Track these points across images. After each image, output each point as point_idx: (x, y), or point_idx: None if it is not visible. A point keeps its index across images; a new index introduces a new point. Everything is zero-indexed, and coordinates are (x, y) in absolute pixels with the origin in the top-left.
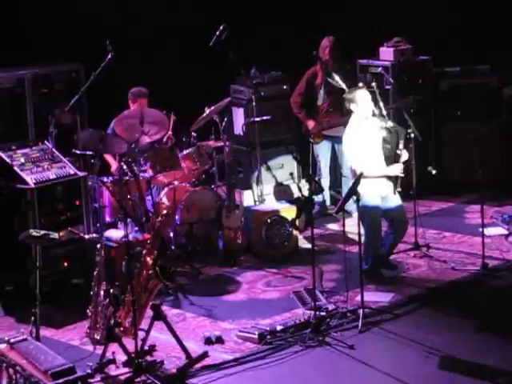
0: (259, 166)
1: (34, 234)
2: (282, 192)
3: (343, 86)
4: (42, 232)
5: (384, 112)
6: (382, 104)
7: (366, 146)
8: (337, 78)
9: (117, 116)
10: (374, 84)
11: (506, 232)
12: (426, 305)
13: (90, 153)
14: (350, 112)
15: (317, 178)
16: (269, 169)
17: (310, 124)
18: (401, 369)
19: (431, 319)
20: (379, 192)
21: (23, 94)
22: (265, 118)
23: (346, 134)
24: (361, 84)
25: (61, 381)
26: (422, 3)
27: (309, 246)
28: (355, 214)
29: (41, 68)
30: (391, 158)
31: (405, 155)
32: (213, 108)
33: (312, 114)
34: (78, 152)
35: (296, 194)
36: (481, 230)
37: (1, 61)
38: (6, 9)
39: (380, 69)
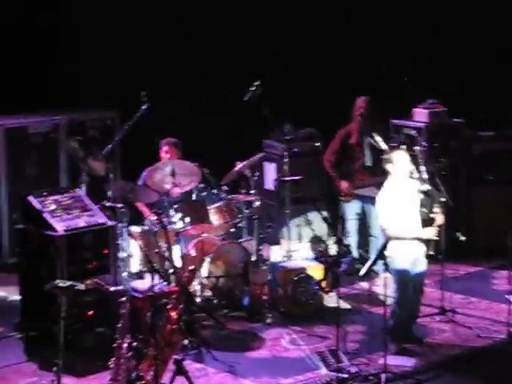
0: (288, 221)
1: (61, 284)
2: (318, 246)
3: (384, 146)
4: (68, 283)
5: (425, 175)
6: (423, 167)
7: (400, 208)
8: (377, 138)
9: (148, 167)
10: (418, 148)
11: None
12: (450, 371)
13: (120, 205)
14: (383, 173)
15: (344, 238)
16: (309, 223)
17: (343, 185)
18: None
19: None
20: (410, 255)
21: (57, 140)
22: (295, 177)
23: (381, 193)
24: (403, 146)
25: None
26: (456, 66)
27: (334, 305)
28: (382, 275)
29: (76, 114)
30: (426, 222)
31: (440, 219)
32: (245, 163)
33: (344, 173)
34: (108, 204)
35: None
36: (508, 296)
37: (38, 105)
38: (48, 54)
39: (413, 131)
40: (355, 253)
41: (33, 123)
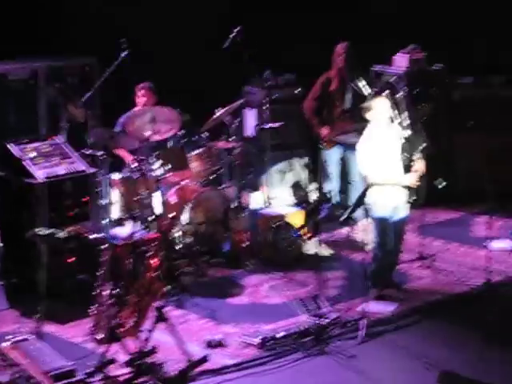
0: (268, 168)
1: (41, 232)
2: (298, 193)
3: (366, 92)
4: (49, 231)
5: (407, 121)
6: (406, 113)
7: (381, 154)
8: (361, 84)
9: (125, 113)
10: (400, 93)
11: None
12: (429, 317)
13: (100, 153)
14: (364, 119)
15: (324, 185)
16: (289, 169)
17: (323, 131)
18: (400, 381)
19: (433, 332)
20: (391, 201)
21: (36, 87)
22: (275, 125)
23: (362, 140)
24: (385, 92)
25: (61, 383)
26: (440, 12)
27: (314, 251)
28: (362, 221)
29: (55, 61)
30: (407, 168)
31: (421, 165)
32: (224, 109)
33: (325, 119)
34: (88, 152)
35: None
36: (487, 242)
37: (17, 52)
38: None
39: (393, 78)
40: (335, 199)
41: (11, 70)
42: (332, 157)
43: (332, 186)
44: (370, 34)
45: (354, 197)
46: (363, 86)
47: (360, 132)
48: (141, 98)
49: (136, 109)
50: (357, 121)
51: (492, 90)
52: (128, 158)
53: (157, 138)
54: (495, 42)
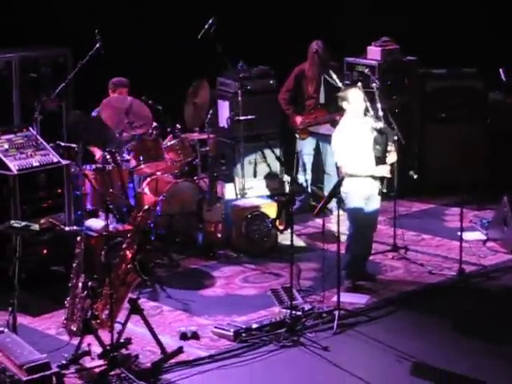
0: (242, 159)
1: (15, 224)
2: (272, 183)
3: (340, 84)
4: (23, 223)
5: (380, 113)
6: (379, 105)
7: (355, 145)
8: (334, 76)
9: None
10: (374, 85)
11: (485, 237)
12: (402, 308)
13: (75, 145)
14: (338, 110)
15: (299, 176)
16: (264, 158)
17: (298, 120)
18: (373, 372)
19: (406, 323)
20: (363, 192)
21: (10, 78)
22: (249, 117)
23: (336, 131)
24: (359, 84)
25: (35, 376)
26: (412, 3)
27: (288, 242)
28: (335, 212)
29: (29, 52)
30: (380, 159)
31: (393, 157)
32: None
33: (298, 111)
34: (63, 144)
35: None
36: (459, 233)
37: None
38: None
39: (366, 70)
40: (309, 189)
41: None
42: (306, 147)
43: (306, 176)
44: (343, 26)
45: (328, 187)
46: (335, 79)
47: (334, 123)
48: (113, 91)
49: (114, 97)
50: (331, 112)
51: (464, 82)
52: (98, 152)
53: (131, 132)
54: (468, 33)
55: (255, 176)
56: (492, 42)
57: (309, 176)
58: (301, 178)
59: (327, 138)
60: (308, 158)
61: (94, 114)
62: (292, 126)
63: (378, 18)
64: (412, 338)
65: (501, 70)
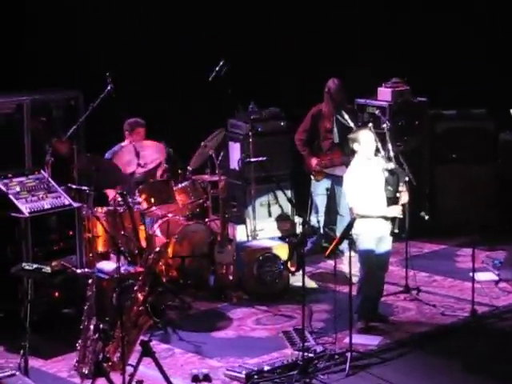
0: (253, 201)
1: (27, 267)
2: (284, 225)
3: (352, 124)
4: (35, 266)
5: (391, 154)
6: (390, 146)
7: (366, 186)
8: (346, 116)
9: (111, 148)
10: (385, 126)
11: (497, 278)
12: (415, 350)
13: (86, 188)
14: (352, 152)
15: (312, 217)
16: (276, 199)
17: (313, 162)
18: None
19: (418, 364)
20: (375, 233)
21: (21, 121)
22: (260, 159)
23: (348, 172)
24: (370, 125)
25: None
26: (422, 45)
27: (300, 284)
28: (347, 254)
29: (40, 95)
30: (392, 200)
31: (405, 197)
32: (209, 143)
33: (315, 151)
34: (74, 187)
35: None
36: (471, 274)
37: (1, 86)
38: (11, 35)
39: (377, 111)
40: (322, 231)
41: None
42: (320, 188)
43: (319, 217)
44: (354, 66)
45: (341, 229)
46: (348, 120)
47: (349, 164)
48: (130, 133)
49: (122, 144)
50: (346, 153)
51: (474, 123)
52: (111, 194)
53: (142, 170)
54: (478, 74)
55: (270, 216)
56: (502, 83)
57: (321, 217)
58: (313, 220)
59: (342, 180)
60: (321, 199)
61: (106, 155)
62: (307, 167)
63: (388, 58)
64: (424, 379)
65: (511, 111)
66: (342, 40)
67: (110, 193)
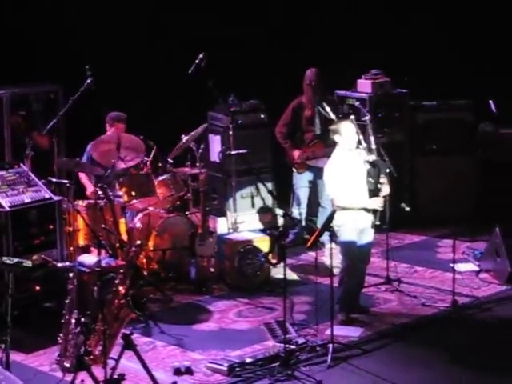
0: (234, 193)
1: (7, 261)
2: (265, 217)
3: (333, 116)
4: (16, 260)
5: (373, 146)
6: (372, 138)
7: (347, 178)
8: (328, 108)
9: (93, 140)
10: (367, 118)
11: (477, 268)
12: (396, 341)
13: (66, 181)
14: (334, 143)
15: (293, 209)
16: (258, 192)
17: (295, 154)
18: None
19: (400, 355)
20: (356, 225)
21: (1, 114)
22: (241, 151)
23: (328, 164)
24: (352, 117)
25: None
26: (401, 36)
27: (281, 276)
28: (328, 245)
29: (19, 88)
30: (373, 192)
31: (386, 189)
32: (189, 136)
33: (296, 144)
34: (54, 180)
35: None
36: (452, 265)
37: None
38: None
39: (357, 103)
40: (303, 223)
41: None
42: (302, 181)
43: (301, 209)
44: (332, 59)
45: (322, 220)
46: (329, 111)
47: (330, 156)
48: (110, 126)
49: (103, 136)
50: (328, 145)
51: (454, 114)
52: (90, 188)
53: (122, 165)
54: (458, 66)
55: (253, 207)
56: (481, 74)
57: (303, 209)
58: (295, 212)
59: (323, 172)
60: (304, 192)
61: (84, 156)
62: (289, 160)
63: (368, 50)
64: (405, 370)
65: (490, 102)
66: (320, 32)
67: (89, 186)
